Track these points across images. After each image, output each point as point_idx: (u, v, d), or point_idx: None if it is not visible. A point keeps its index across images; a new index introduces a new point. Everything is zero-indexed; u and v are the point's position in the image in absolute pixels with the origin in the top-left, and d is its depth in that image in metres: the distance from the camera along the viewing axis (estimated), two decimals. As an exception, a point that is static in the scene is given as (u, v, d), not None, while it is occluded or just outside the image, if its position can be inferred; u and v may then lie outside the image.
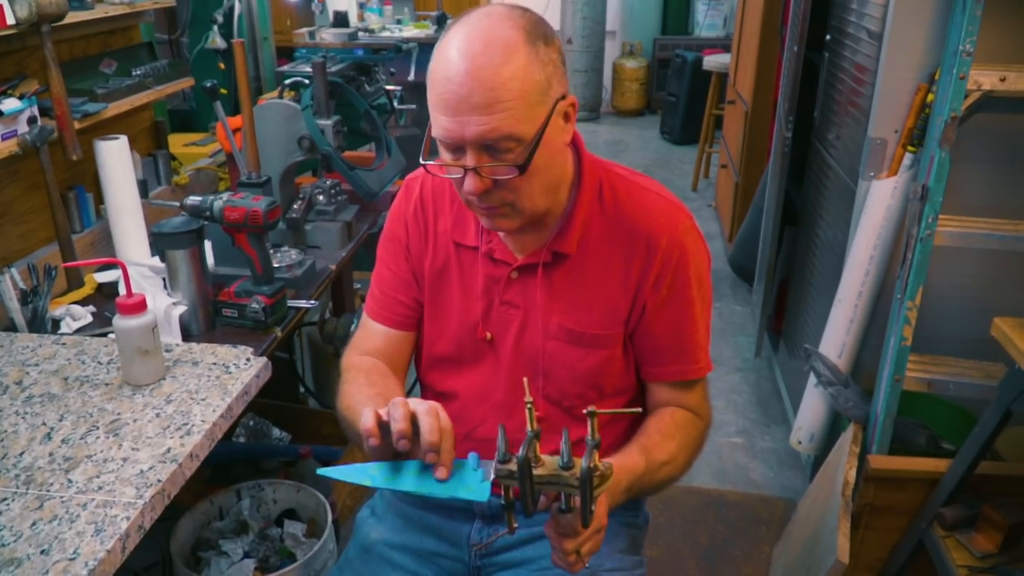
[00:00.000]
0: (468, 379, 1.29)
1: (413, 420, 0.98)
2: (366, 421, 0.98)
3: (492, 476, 0.97)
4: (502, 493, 0.98)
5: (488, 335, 1.25)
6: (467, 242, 1.24)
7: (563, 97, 1.08)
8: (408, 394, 1.43)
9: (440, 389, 1.32)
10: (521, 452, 0.92)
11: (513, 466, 0.94)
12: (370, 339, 1.33)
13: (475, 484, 1.00)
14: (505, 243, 1.22)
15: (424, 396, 1.39)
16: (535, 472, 0.94)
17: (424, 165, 1.12)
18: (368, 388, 1.20)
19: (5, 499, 1.09)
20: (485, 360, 1.27)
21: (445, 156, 1.08)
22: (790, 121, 2.86)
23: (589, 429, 0.92)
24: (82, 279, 1.88)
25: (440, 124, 1.04)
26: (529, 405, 0.94)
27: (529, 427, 0.94)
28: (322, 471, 1.05)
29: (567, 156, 1.17)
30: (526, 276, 1.22)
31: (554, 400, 1.25)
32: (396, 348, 1.32)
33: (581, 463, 0.92)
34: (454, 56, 1.01)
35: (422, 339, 1.33)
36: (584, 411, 0.92)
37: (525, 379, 0.99)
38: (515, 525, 1.00)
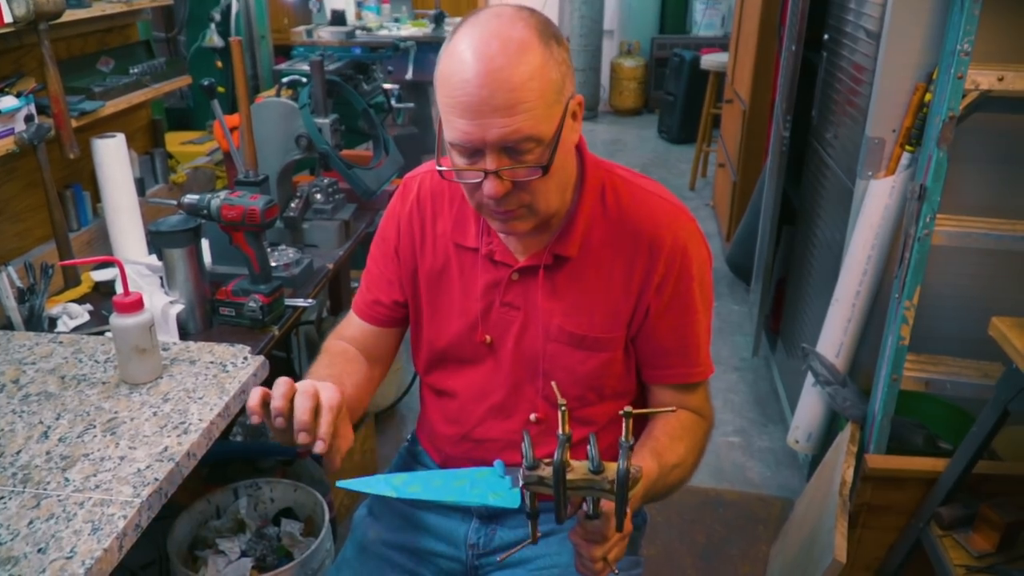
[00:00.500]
0: (468, 379, 1.29)
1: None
2: (251, 398, 0.98)
3: (521, 483, 0.96)
4: (527, 501, 0.97)
5: (488, 338, 1.25)
6: (467, 243, 1.24)
7: (572, 96, 1.07)
8: (407, 390, 1.43)
9: (440, 388, 1.33)
10: (557, 456, 0.92)
11: (542, 472, 0.93)
12: (348, 328, 1.36)
13: (504, 491, 1.00)
14: (506, 244, 1.21)
15: (424, 395, 1.39)
16: (567, 477, 0.93)
17: (440, 171, 1.10)
18: (325, 369, 1.22)
19: (2, 497, 1.09)
20: (485, 361, 1.27)
21: (459, 160, 1.06)
22: (788, 120, 2.87)
23: (624, 431, 0.92)
24: (79, 277, 1.87)
25: (457, 128, 1.02)
26: (563, 408, 0.93)
27: (561, 430, 0.93)
28: (342, 483, 1.04)
29: (574, 156, 1.17)
30: (527, 278, 1.21)
31: (553, 402, 1.25)
32: (372, 342, 1.34)
33: (617, 466, 0.91)
34: (469, 58, 0.99)
35: (422, 339, 1.33)
36: (620, 412, 0.92)
37: (554, 383, 0.99)
38: (539, 534, 0.99)
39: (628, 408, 0.91)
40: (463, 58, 1.00)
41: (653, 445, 1.16)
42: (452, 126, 1.03)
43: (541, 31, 1.02)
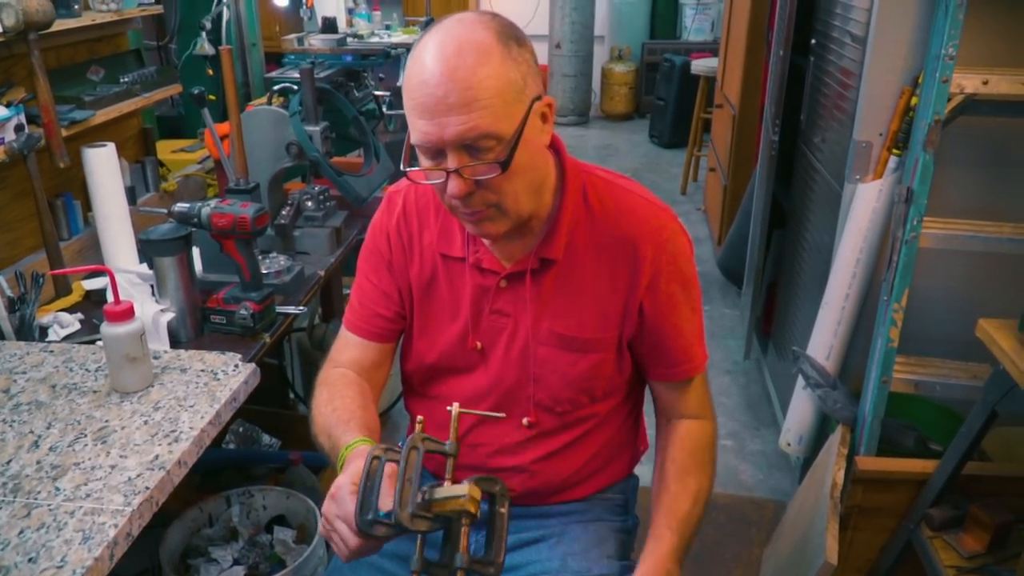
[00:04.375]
0: (460, 387, 1.29)
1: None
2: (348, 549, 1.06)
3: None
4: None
5: (479, 345, 1.25)
6: (453, 253, 1.24)
7: (539, 98, 1.08)
8: (390, 408, 1.42)
9: (430, 396, 1.33)
10: (394, 515, 1.00)
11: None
12: (346, 350, 1.33)
13: None
14: (492, 252, 1.22)
15: (412, 406, 1.40)
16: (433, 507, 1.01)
17: (405, 172, 1.12)
18: (340, 411, 1.22)
19: (-8, 508, 1.09)
20: (476, 369, 1.27)
21: (425, 162, 1.08)
22: (776, 124, 2.88)
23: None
24: (70, 286, 1.87)
25: (419, 128, 1.04)
26: (451, 456, 1.02)
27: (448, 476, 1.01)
28: None
29: (548, 158, 1.18)
30: (515, 284, 1.22)
31: (545, 407, 1.25)
32: (373, 361, 1.32)
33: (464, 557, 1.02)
34: (429, 61, 1.02)
35: (411, 351, 1.33)
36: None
37: (456, 406, 1.04)
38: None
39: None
40: (423, 61, 1.03)
41: (667, 502, 1.23)
42: (414, 128, 1.05)
43: (500, 33, 1.04)
